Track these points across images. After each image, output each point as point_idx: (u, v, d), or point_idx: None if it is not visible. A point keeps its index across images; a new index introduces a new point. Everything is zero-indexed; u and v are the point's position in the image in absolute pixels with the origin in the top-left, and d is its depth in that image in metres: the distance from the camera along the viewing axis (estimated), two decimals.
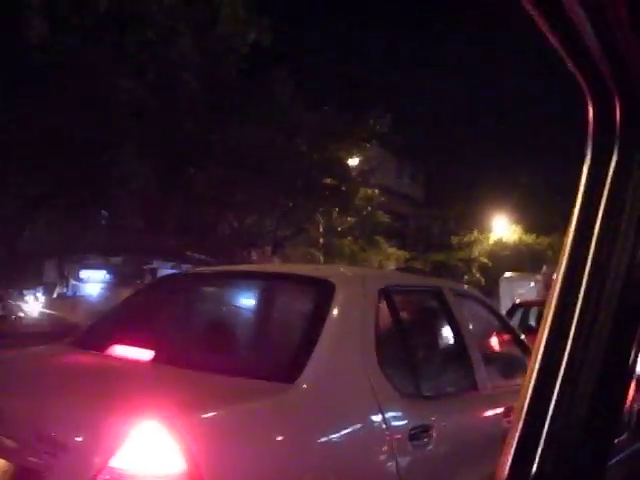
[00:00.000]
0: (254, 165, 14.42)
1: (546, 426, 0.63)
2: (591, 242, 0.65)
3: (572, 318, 0.65)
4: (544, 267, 20.60)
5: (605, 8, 0.56)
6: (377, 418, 1.88)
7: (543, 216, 25.52)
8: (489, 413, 2.66)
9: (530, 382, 0.65)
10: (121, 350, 2.06)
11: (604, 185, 0.66)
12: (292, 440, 1.66)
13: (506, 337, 3.43)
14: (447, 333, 2.80)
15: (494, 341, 3.40)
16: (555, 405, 0.63)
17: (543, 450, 0.63)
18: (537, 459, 0.63)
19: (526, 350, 3.28)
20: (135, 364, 2.00)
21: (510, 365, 3.27)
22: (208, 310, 2.68)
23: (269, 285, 2.59)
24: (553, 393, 0.64)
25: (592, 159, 0.68)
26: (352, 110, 16.07)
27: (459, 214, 25.05)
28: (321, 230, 17.67)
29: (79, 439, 1.51)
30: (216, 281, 2.82)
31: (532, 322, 7.86)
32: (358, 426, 1.88)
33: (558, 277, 0.66)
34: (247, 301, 2.67)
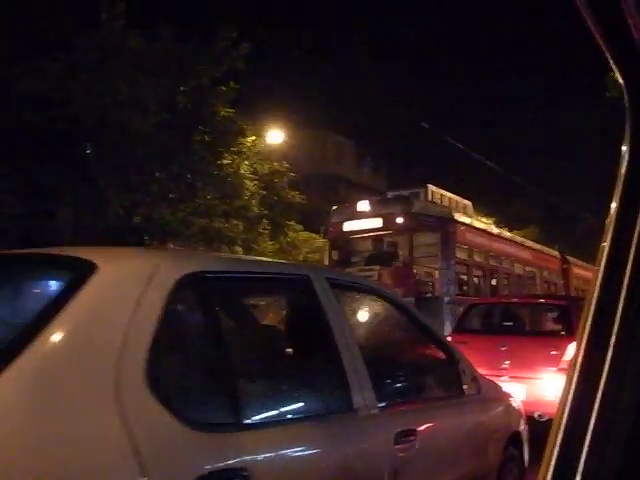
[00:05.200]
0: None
1: (589, 432, 0.69)
2: (629, 256, 0.74)
3: (613, 322, 0.72)
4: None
5: None
6: (129, 465, 1.48)
7: (518, 209, 26.04)
8: (366, 441, 2.32)
9: (571, 387, 0.72)
10: None
11: None
12: None
13: (420, 340, 3.02)
14: (307, 336, 2.46)
15: (398, 346, 2.97)
16: (598, 410, 0.69)
17: (587, 455, 0.68)
18: (581, 464, 0.69)
19: (449, 354, 2.94)
20: None
21: (418, 374, 2.83)
22: None
23: (8, 272, 2.14)
24: (595, 399, 0.70)
25: (630, 162, 0.78)
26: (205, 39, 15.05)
27: None
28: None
29: None
30: None
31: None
32: None
33: (599, 272, 0.75)
34: None
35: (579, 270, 18.23)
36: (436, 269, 11.21)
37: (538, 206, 28.74)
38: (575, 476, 0.67)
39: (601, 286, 0.74)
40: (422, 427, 2.58)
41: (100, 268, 1.76)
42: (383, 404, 2.42)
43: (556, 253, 17.47)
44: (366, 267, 10.83)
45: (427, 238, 11.47)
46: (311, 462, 2.06)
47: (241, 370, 2.09)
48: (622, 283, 0.72)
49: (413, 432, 2.49)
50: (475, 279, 12.66)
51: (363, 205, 11.62)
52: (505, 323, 7.19)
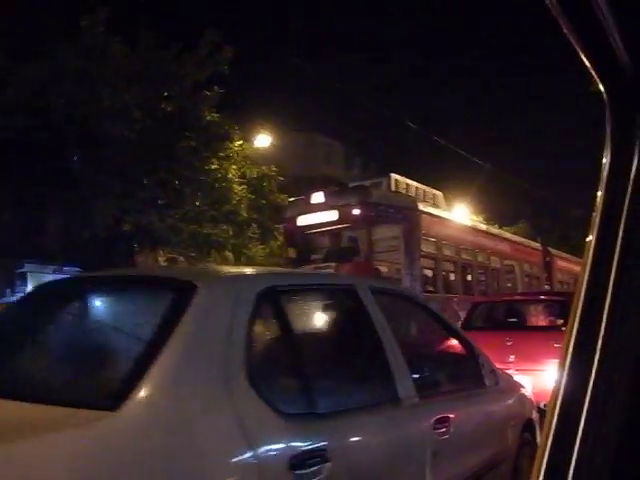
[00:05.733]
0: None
1: (581, 424, 0.72)
2: (615, 252, 0.77)
3: (602, 315, 0.75)
4: None
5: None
6: (241, 447, 1.92)
7: (508, 205, 26.73)
8: (412, 427, 2.81)
9: (557, 400, 0.75)
10: None
11: (627, 188, 0.79)
12: None
13: (445, 338, 3.46)
14: (359, 337, 2.93)
15: (427, 343, 3.42)
16: (589, 405, 0.73)
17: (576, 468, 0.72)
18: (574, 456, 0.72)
19: (470, 350, 3.39)
20: None
21: (446, 368, 3.29)
22: (41, 326, 2.61)
23: (119, 291, 2.65)
24: (586, 393, 0.73)
25: (611, 161, 0.83)
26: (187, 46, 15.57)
27: None
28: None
29: None
30: (64, 290, 2.92)
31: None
32: (211, 462, 1.88)
33: (585, 267, 0.79)
34: (91, 312, 2.72)
35: (563, 262, 18.05)
36: (400, 264, 10.59)
37: (528, 202, 29.45)
38: (569, 468, 0.71)
39: (588, 280, 0.79)
40: (454, 414, 3.03)
41: (199, 288, 2.19)
42: (421, 395, 2.85)
43: (537, 245, 17.16)
44: (322, 264, 10.30)
45: (389, 230, 10.77)
46: (371, 443, 2.52)
47: (315, 367, 2.54)
48: (609, 277, 0.76)
49: (447, 419, 2.94)
50: (446, 274, 12.02)
51: (318, 197, 10.84)
52: (510, 319, 7.80)
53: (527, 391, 4.29)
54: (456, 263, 12.06)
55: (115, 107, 14.48)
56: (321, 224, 10.76)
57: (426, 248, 10.90)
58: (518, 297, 9.48)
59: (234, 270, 3.08)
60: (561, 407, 0.75)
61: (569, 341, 0.77)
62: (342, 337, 2.90)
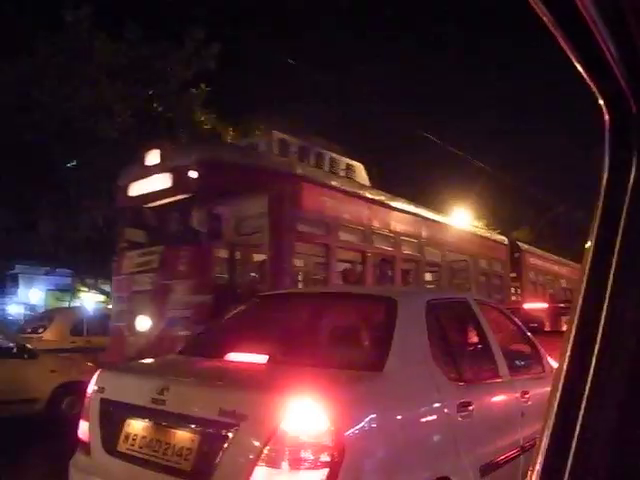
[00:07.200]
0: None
1: (575, 437, 0.82)
2: (612, 258, 0.85)
3: (599, 321, 0.82)
4: None
5: (624, 14, 0.74)
6: (436, 396, 3.36)
7: (510, 210, 27.91)
8: (509, 394, 4.23)
9: (556, 396, 0.86)
10: (242, 356, 3.55)
11: (624, 198, 0.87)
12: (387, 411, 2.99)
13: (518, 336, 4.77)
14: (477, 333, 4.34)
15: (509, 339, 4.72)
16: (583, 415, 0.82)
17: (573, 462, 0.81)
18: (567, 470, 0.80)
19: (534, 346, 4.85)
20: (264, 365, 3.41)
21: (521, 358, 4.62)
22: (310, 322, 4.21)
23: (353, 302, 4.30)
24: (580, 406, 0.82)
25: (610, 173, 0.91)
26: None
27: None
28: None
29: (256, 412, 2.65)
30: (311, 299, 4.62)
31: None
32: (425, 401, 3.31)
33: (582, 281, 0.88)
34: (339, 314, 4.28)
35: (538, 260, 17.01)
36: (265, 252, 7.95)
37: (529, 206, 30.43)
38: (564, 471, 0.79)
39: (587, 284, 0.85)
40: (531, 389, 4.36)
41: (398, 302, 3.60)
42: (511, 374, 4.19)
43: (502, 238, 15.14)
44: (145, 250, 7.96)
45: (253, 204, 8.01)
46: (492, 402, 3.97)
47: (458, 351, 3.97)
48: (607, 281, 0.83)
49: (528, 392, 4.30)
50: (346, 269, 9.35)
51: (153, 156, 7.97)
52: (530, 325, 9.00)
53: None
54: (364, 254, 9.28)
55: (97, 105, 15.13)
56: (154, 194, 7.93)
57: (309, 229, 8.40)
58: (535, 305, 10.83)
59: (407, 290, 4.52)
60: (558, 410, 0.84)
61: (567, 346, 0.84)
62: (469, 332, 4.33)
